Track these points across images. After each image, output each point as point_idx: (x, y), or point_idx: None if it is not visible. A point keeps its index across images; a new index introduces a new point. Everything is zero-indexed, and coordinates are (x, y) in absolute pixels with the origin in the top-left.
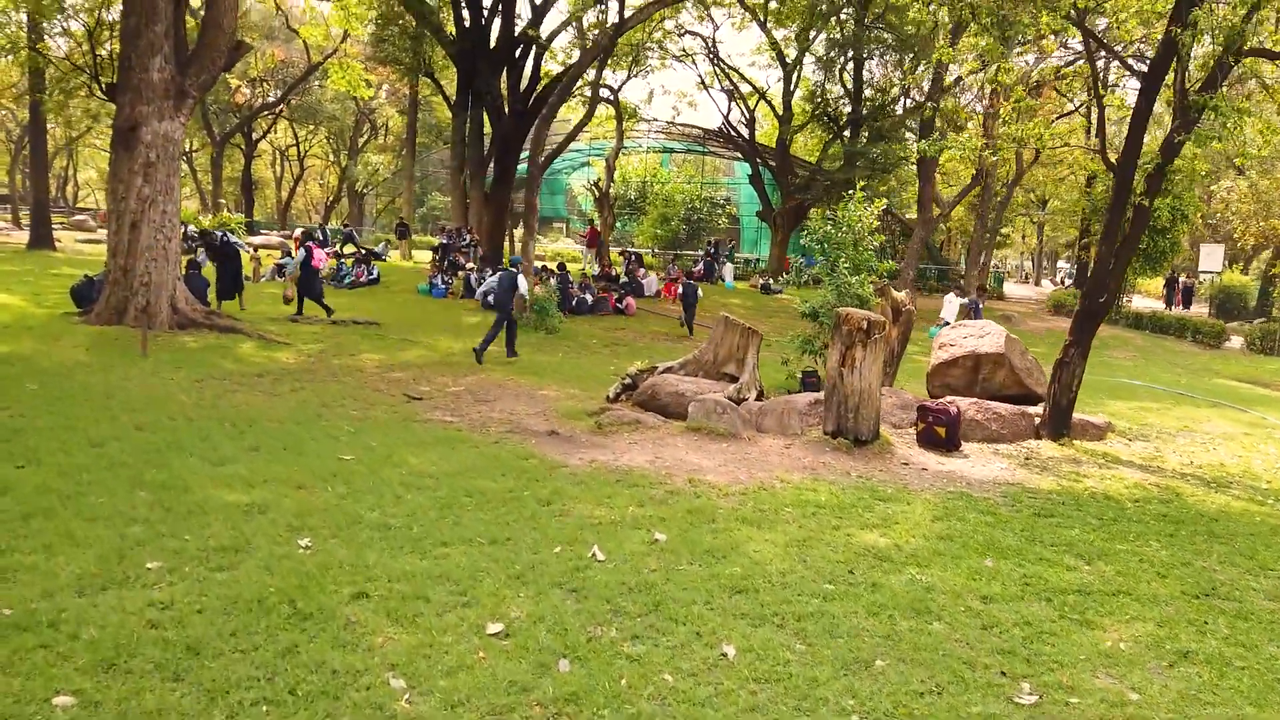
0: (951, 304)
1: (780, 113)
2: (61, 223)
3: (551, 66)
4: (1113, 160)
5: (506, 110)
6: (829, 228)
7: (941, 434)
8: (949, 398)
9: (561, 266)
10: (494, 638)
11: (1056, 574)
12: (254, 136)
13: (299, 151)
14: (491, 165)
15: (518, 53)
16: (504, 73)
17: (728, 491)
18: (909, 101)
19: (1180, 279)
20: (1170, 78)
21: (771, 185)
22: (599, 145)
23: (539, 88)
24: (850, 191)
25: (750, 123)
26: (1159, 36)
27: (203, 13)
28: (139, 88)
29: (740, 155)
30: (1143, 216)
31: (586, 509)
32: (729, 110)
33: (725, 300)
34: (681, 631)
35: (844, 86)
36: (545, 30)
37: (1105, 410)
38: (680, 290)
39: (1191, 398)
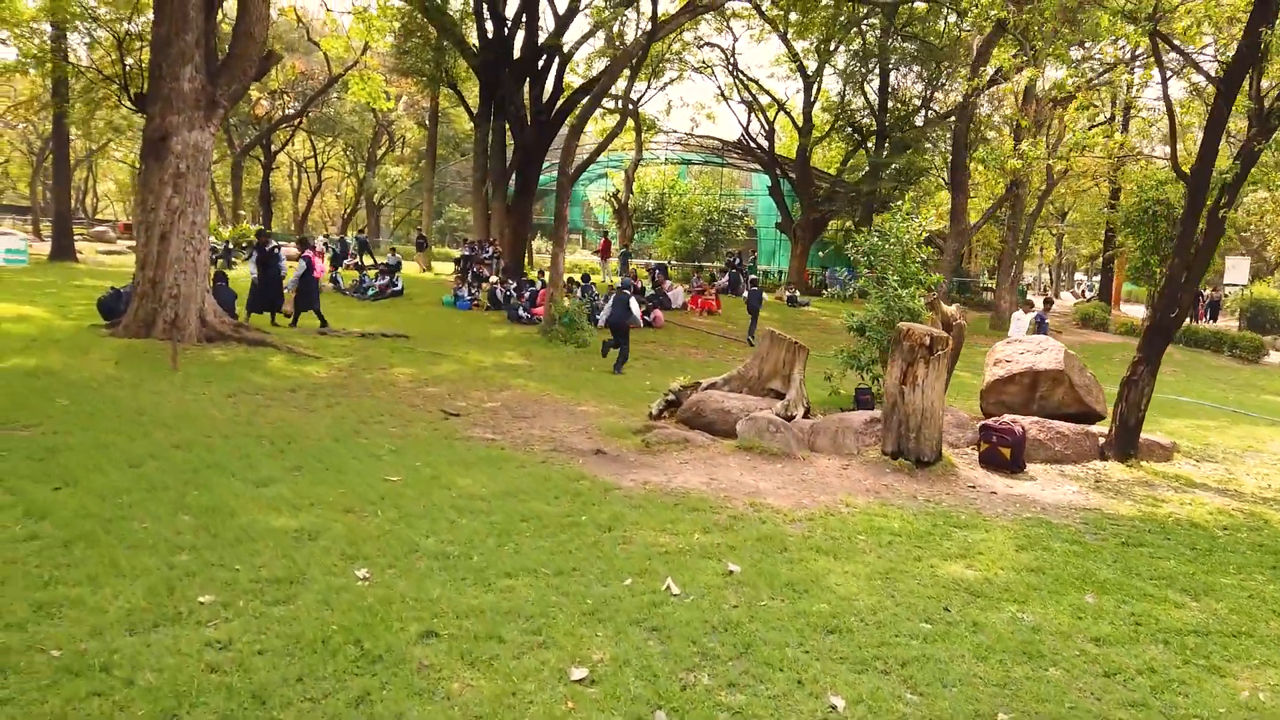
0: (1020, 322)
1: (800, 124)
2: (82, 234)
3: (572, 79)
4: (1184, 169)
5: (529, 121)
6: (875, 239)
7: (1006, 455)
8: (1011, 417)
9: (586, 278)
10: (579, 684)
11: (1166, 612)
12: (272, 149)
13: (317, 163)
14: (513, 177)
15: (540, 63)
16: (526, 84)
17: (793, 516)
18: (929, 112)
19: (1205, 292)
20: (1245, 83)
21: (791, 197)
22: (617, 157)
23: (561, 99)
24: (899, 203)
25: (770, 134)
26: (1225, 41)
27: (234, 22)
28: (169, 97)
29: (760, 167)
30: (1217, 228)
31: (650, 536)
32: (749, 122)
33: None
34: (780, 679)
35: (865, 98)
36: (568, 42)
37: (1162, 429)
38: (746, 296)
39: (1249, 416)
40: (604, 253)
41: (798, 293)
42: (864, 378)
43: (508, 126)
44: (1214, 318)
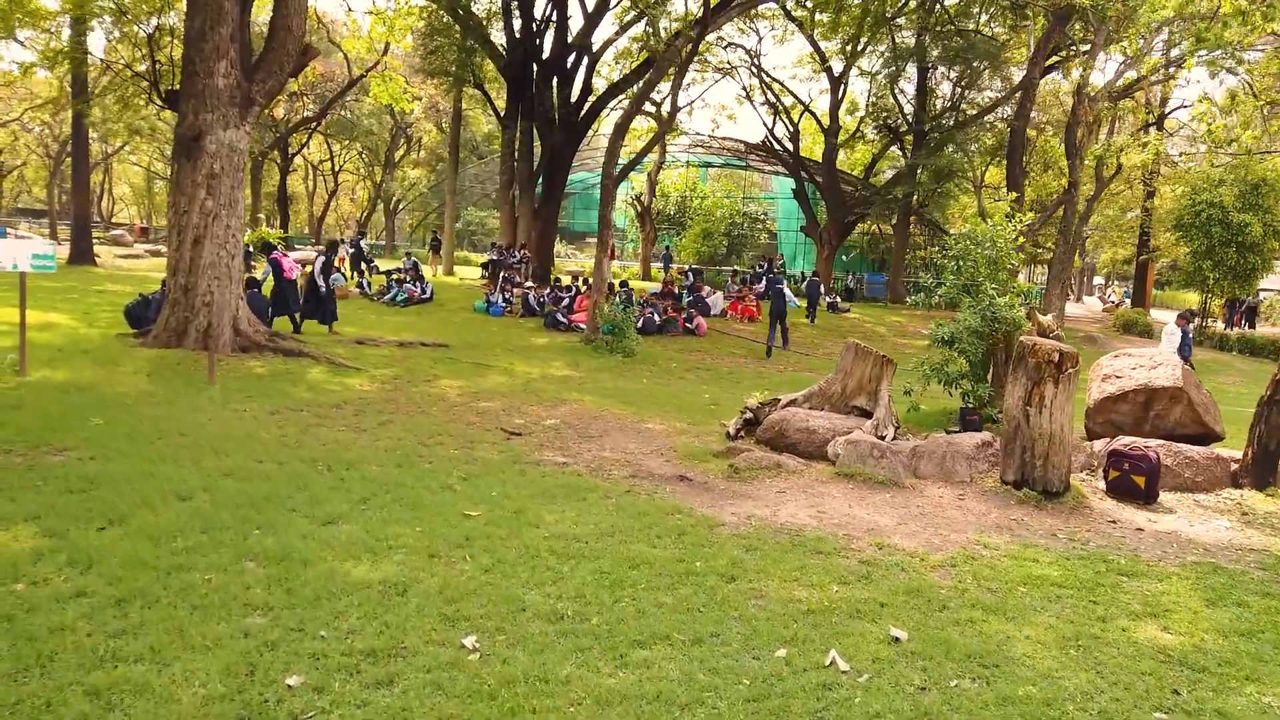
0: (1173, 336)
1: (826, 126)
2: (99, 238)
3: (598, 82)
4: None
5: (557, 122)
6: (966, 243)
7: (1140, 484)
8: (1128, 439)
9: (625, 284)
10: None
11: None
12: (289, 151)
13: (333, 166)
14: (540, 180)
15: (569, 63)
16: (554, 84)
17: (931, 561)
18: (958, 114)
19: (1244, 298)
20: None
21: (816, 200)
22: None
23: (591, 99)
24: (1002, 202)
25: (794, 136)
26: None
27: (269, 16)
28: (203, 94)
29: (784, 169)
30: None
31: (781, 588)
32: (774, 124)
33: (793, 319)
34: None
35: (894, 98)
36: (596, 41)
37: None
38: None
39: None
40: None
41: (839, 298)
42: (951, 393)
43: (534, 128)
44: (1251, 324)
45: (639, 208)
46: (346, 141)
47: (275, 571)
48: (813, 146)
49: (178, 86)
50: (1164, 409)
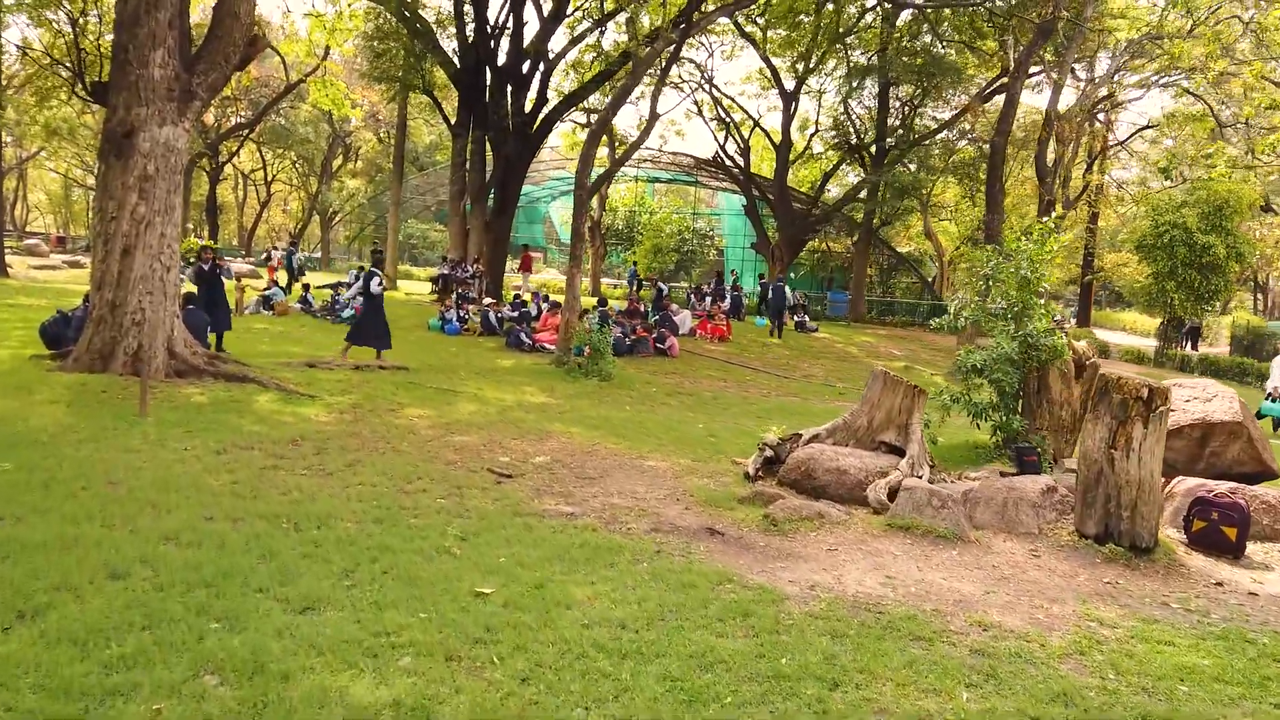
0: None
1: (779, 142)
2: (13, 248)
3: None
4: None
5: (511, 131)
6: (1000, 260)
7: (1231, 536)
8: (1197, 480)
9: (603, 302)
10: None
11: None
12: (220, 159)
13: (266, 175)
14: (493, 191)
15: (525, 69)
16: (509, 92)
17: (1053, 648)
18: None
19: (1187, 320)
20: None
21: (766, 217)
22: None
23: (546, 109)
24: (1046, 219)
25: (745, 152)
26: None
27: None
28: (136, 86)
29: (734, 186)
30: None
31: (899, 695)
32: (725, 140)
33: (763, 338)
34: None
35: (847, 114)
36: (553, 49)
37: None
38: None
39: None
40: (524, 266)
41: (806, 317)
42: (979, 425)
43: (487, 138)
44: (1194, 346)
45: (589, 222)
46: (281, 150)
47: (247, 694)
48: (760, 163)
49: (106, 78)
50: (1221, 445)
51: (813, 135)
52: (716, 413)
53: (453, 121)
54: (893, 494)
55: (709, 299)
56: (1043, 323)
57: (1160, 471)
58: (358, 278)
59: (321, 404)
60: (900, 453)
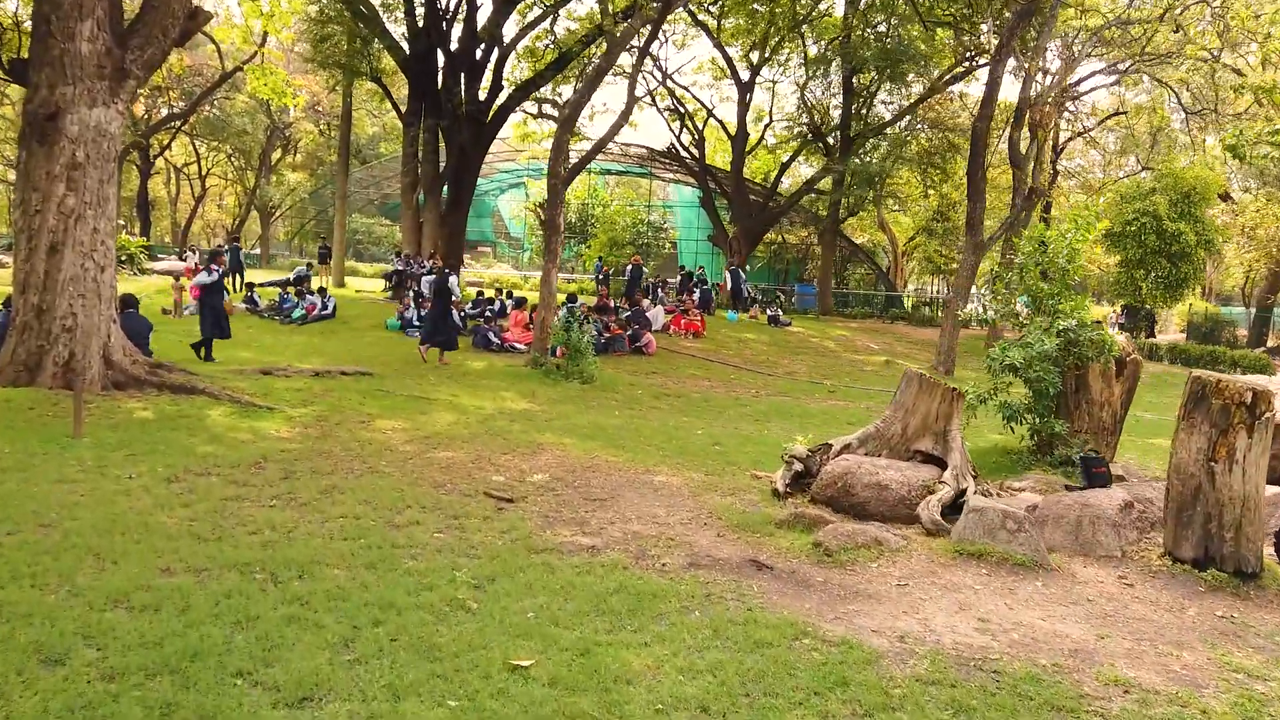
0: None
1: (734, 133)
2: None
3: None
4: None
5: (465, 119)
6: (1032, 248)
7: None
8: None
9: (573, 298)
10: None
11: None
12: (151, 153)
13: (200, 169)
14: (446, 183)
15: (478, 55)
16: (462, 79)
17: (1214, 713)
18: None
19: (1141, 307)
20: None
21: (724, 208)
22: (538, 165)
23: (502, 97)
24: (1084, 204)
25: (700, 143)
26: None
27: None
28: (61, 62)
29: (691, 178)
30: None
31: None
32: (680, 131)
33: (738, 334)
34: None
35: (805, 102)
36: (507, 35)
37: None
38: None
39: None
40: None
41: (780, 311)
42: (1013, 429)
43: (439, 127)
44: (1150, 333)
45: (541, 215)
46: (216, 143)
47: None
48: (714, 154)
49: (26, 54)
50: None
51: (766, 126)
52: (712, 416)
53: (403, 110)
54: (943, 511)
55: (674, 291)
56: (1086, 315)
57: (1263, 486)
58: (302, 277)
59: (282, 417)
60: (938, 462)
